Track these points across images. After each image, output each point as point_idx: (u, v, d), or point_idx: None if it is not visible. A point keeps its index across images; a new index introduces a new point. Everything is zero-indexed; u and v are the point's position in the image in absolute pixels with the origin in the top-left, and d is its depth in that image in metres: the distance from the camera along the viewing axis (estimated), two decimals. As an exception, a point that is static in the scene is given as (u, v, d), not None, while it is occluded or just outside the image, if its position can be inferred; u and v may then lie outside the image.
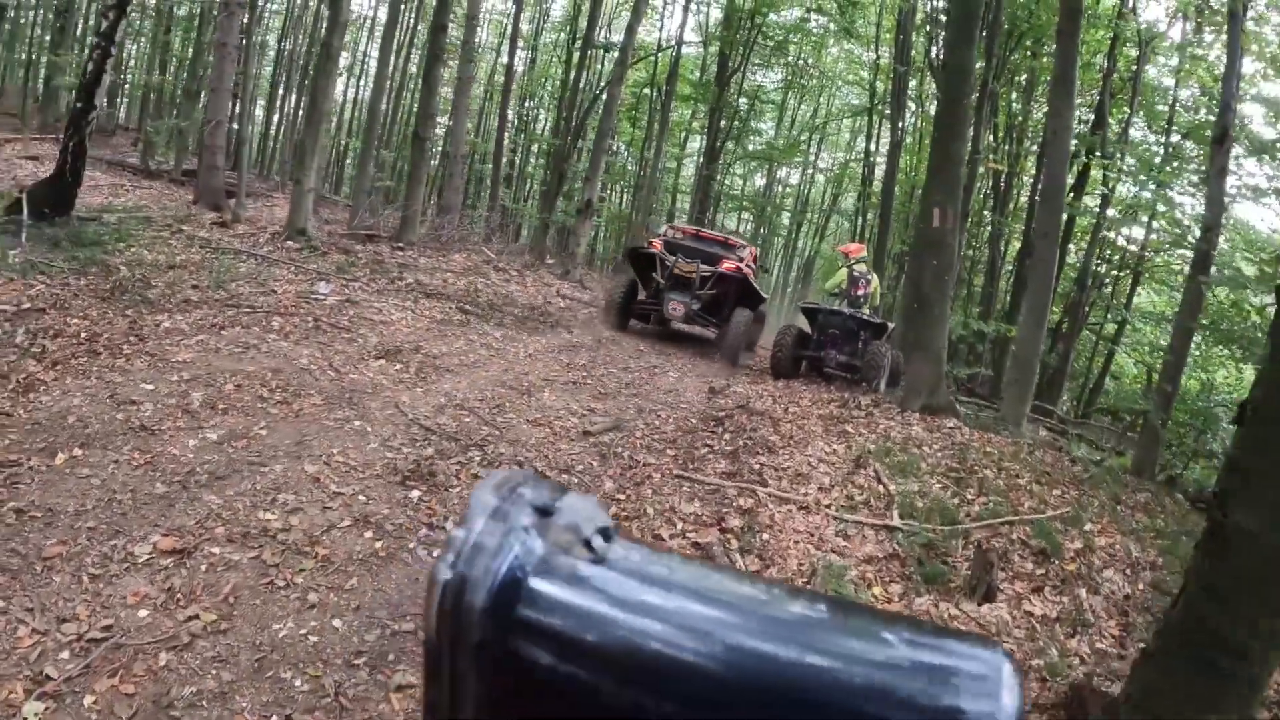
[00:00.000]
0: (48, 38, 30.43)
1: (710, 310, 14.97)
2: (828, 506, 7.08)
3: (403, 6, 27.68)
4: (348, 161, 40.43)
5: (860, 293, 14.77)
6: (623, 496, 6.85)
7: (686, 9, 31.91)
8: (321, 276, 11.99)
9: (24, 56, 32.90)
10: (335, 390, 7.77)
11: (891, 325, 15.04)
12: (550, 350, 11.68)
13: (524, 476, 0.50)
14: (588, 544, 0.47)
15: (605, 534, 0.48)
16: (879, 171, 33.58)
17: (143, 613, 4.28)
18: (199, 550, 4.90)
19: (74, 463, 5.85)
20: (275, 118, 35.04)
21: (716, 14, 32.13)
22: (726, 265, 14.69)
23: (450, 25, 18.88)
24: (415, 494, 6.05)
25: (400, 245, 16.51)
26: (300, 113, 31.50)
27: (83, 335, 8.12)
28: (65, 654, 3.92)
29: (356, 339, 9.49)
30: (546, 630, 0.44)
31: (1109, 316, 24.11)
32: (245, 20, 19.22)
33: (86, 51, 12.69)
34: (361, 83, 37.64)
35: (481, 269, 16.46)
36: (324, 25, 21.39)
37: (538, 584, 0.45)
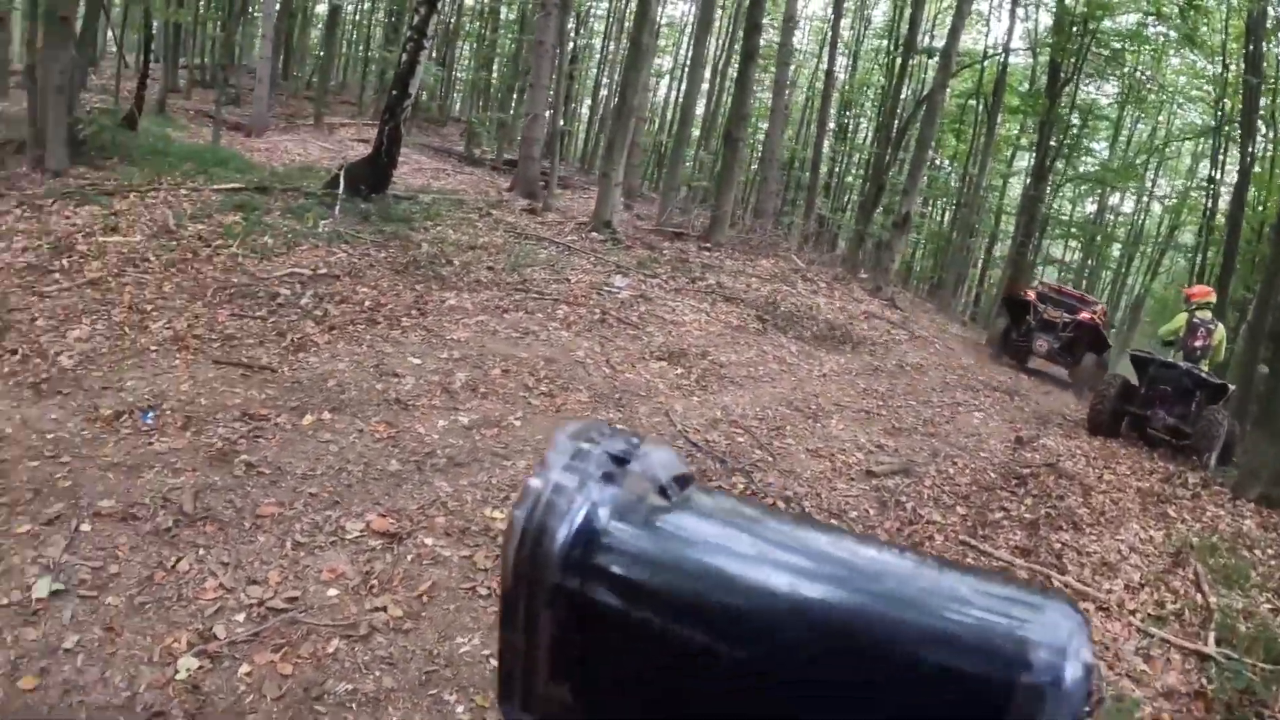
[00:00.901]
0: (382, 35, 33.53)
1: (1066, 351, 17.19)
2: (1132, 613, 5.77)
3: (719, 10, 27.50)
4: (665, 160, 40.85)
5: (1199, 344, 12.67)
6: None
7: (1013, 13, 29.67)
8: (619, 270, 11.78)
9: (362, 52, 37.18)
10: (606, 388, 7.43)
11: (1232, 388, 12.98)
12: (847, 372, 10.82)
13: (600, 425, 0.50)
14: (664, 492, 0.47)
15: (682, 482, 0.48)
16: (1223, 203, 28.95)
17: (332, 591, 4.12)
18: (411, 538, 4.71)
19: (319, 426, 5.90)
20: (597, 115, 36.00)
21: (1046, 19, 29.67)
22: (1083, 315, 17.13)
23: (767, 25, 18.46)
24: None
25: (707, 245, 16.20)
26: (616, 109, 32.60)
27: (367, 304, 8.29)
28: (240, 616, 3.84)
29: (641, 337, 9.14)
30: (622, 576, 0.44)
31: None
32: (564, 21, 19.79)
33: (402, 44, 13.27)
34: (680, 85, 37.96)
35: (788, 277, 15.74)
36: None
37: (614, 531, 0.46)
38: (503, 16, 32.43)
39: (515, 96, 26.45)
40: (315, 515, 4.77)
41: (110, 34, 24.37)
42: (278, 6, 23.05)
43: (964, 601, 0.40)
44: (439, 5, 12.94)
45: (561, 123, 21.56)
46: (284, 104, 27.08)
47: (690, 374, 8.41)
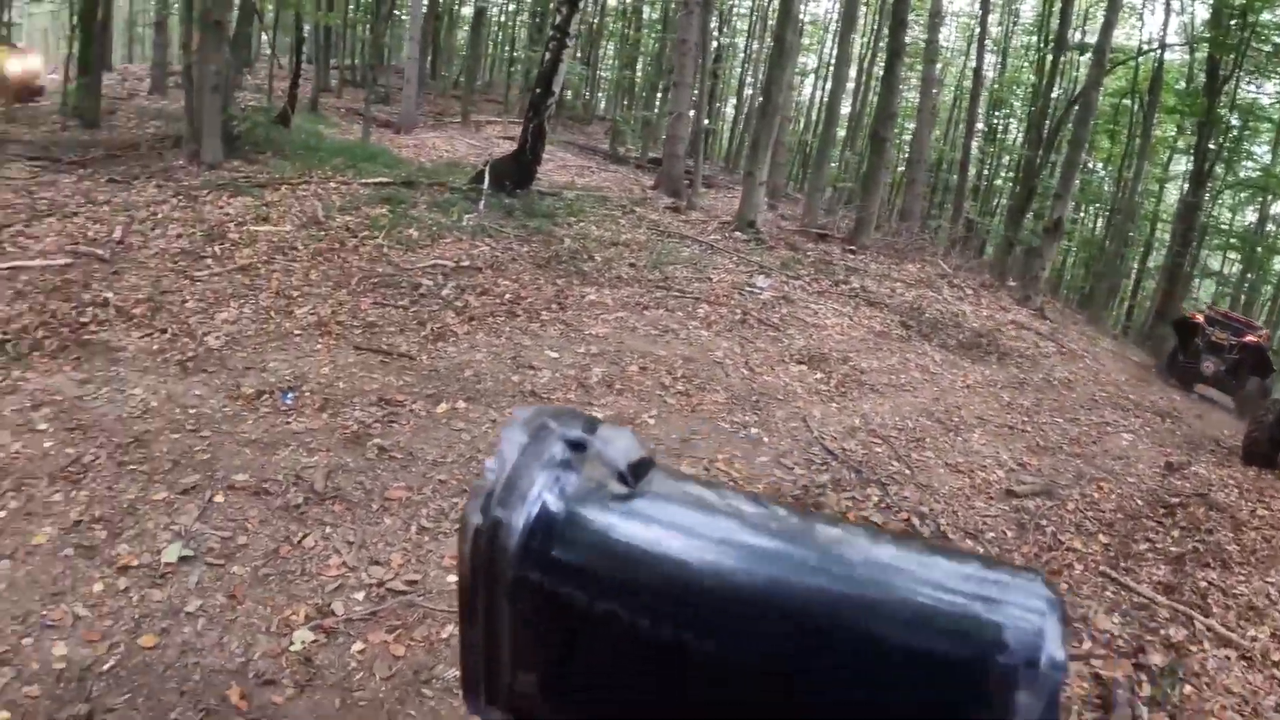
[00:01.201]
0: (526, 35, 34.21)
1: (1231, 374, 16.89)
2: (1276, 665, 5.38)
3: (864, 7, 26.91)
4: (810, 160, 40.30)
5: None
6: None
7: (1168, 6, 27.85)
8: (762, 270, 11.64)
9: (507, 52, 38.24)
10: (743, 390, 7.28)
11: None
12: (991, 384, 10.35)
13: (555, 410, 0.49)
14: (623, 478, 0.46)
15: (642, 466, 0.47)
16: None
17: (452, 577, 4.04)
18: None
19: (453, 414, 5.97)
20: (742, 114, 35.73)
21: (1203, 12, 27.72)
22: (1248, 337, 16.94)
23: (912, 22, 18.02)
24: None
25: (852, 248, 15.86)
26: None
27: (507, 297, 8.35)
28: (360, 595, 3.91)
29: (782, 339, 8.97)
30: (582, 567, 0.43)
31: None
32: (706, 19, 19.61)
33: (545, 43, 13.47)
34: (825, 83, 37.28)
35: (934, 283, 15.27)
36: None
37: (572, 522, 0.44)
38: (646, 15, 32.61)
39: (660, 95, 26.50)
40: (443, 501, 4.83)
41: (264, 37, 25.72)
42: (424, 8, 23.62)
43: (936, 583, 0.39)
44: (581, 4, 13.07)
45: (706, 121, 21.45)
46: (432, 102, 27.76)
47: (830, 379, 8.20)
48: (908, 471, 6.57)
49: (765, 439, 6.42)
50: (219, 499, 4.53)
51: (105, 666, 3.80)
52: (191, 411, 5.83)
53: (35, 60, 25.45)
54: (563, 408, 0.49)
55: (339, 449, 5.43)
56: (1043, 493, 7.06)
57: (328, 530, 4.34)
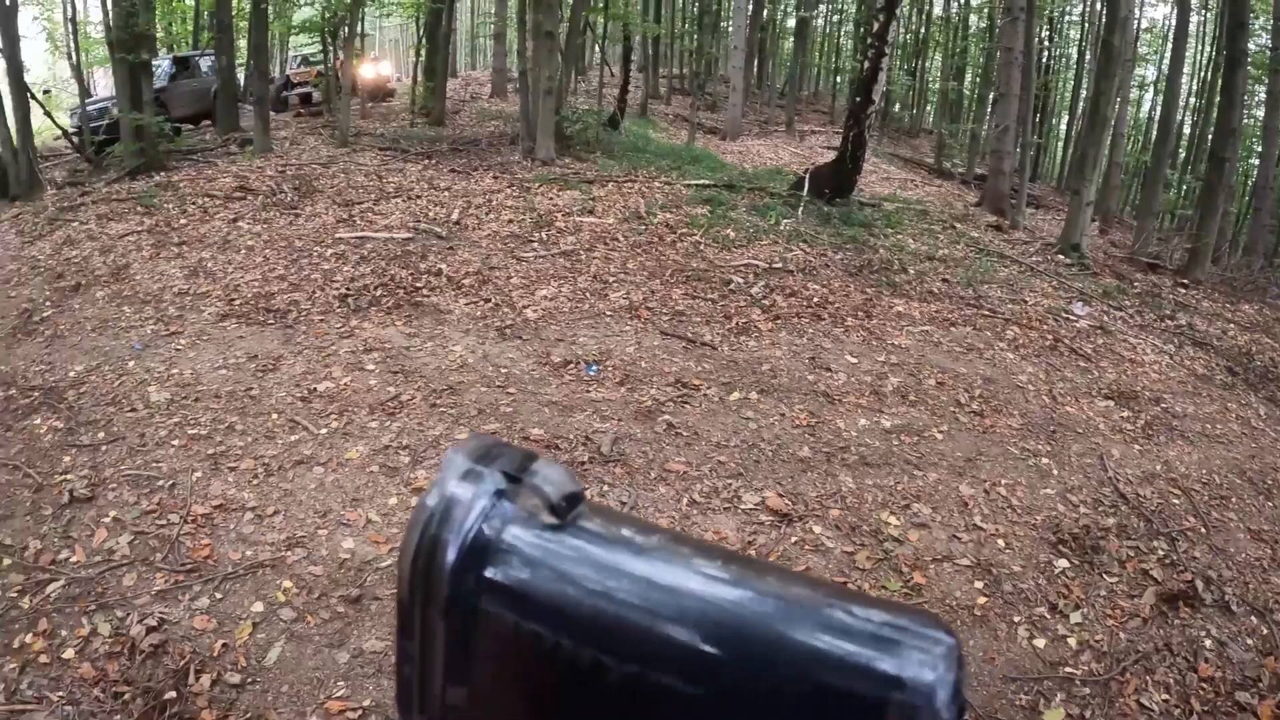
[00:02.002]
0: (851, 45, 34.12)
1: None
2: None
3: (1204, 12, 24.60)
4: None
5: None
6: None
7: None
8: (1081, 297, 11.14)
9: (832, 62, 38.16)
10: (1040, 418, 7.03)
11: None
12: (1322, 449, 9.43)
13: (495, 442, 0.51)
14: (555, 510, 0.47)
15: (573, 500, 0.48)
16: None
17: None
18: (801, 522, 4.84)
19: (744, 404, 6.24)
20: (1074, 129, 33.68)
21: None
22: None
23: (1258, 29, 16.37)
24: (1062, 564, 5.08)
25: (1183, 281, 14.74)
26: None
27: (814, 300, 8.53)
28: None
29: (1091, 371, 8.55)
30: (512, 590, 0.45)
31: None
32: (1032, 27, 18.87)
33: (864, 51, 13.44)
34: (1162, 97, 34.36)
35: (1271, 328, 13.94)
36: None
37: (505, 546, 0.46)
38: (972, 25, 31.48)
39: (988, 108, 25.71)
40: (717, 481, 5.06)
41: (595, 47, 27.29)
42: (749, 19, 24.01)
43: (843, 623, 0.41)
44: (899, 12, 12.91)
45: (1035, 136, 20.61)
46: (756, 110, 28.31)
47: (1137, 419, 7.72)
48: (1203, 530, 6.00)
49: (1055, 471, 6.15)
50: (515, 446, 5.09)
51: (382, 565, 4.54)
52: (503, 371, 6.62)
53: (386, 66, 28.82)
54: (503, 442, 0.52)
55: (630, 420, 5.90)
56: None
57: (604, 489, 4.70)
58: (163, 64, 18.49)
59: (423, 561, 0.46)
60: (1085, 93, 32.19)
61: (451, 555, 0.45)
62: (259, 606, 4.27)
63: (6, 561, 4.61)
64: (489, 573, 0.45)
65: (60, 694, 3.78)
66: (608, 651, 0.43)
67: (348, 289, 8.47)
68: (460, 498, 0.47)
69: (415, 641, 0.47)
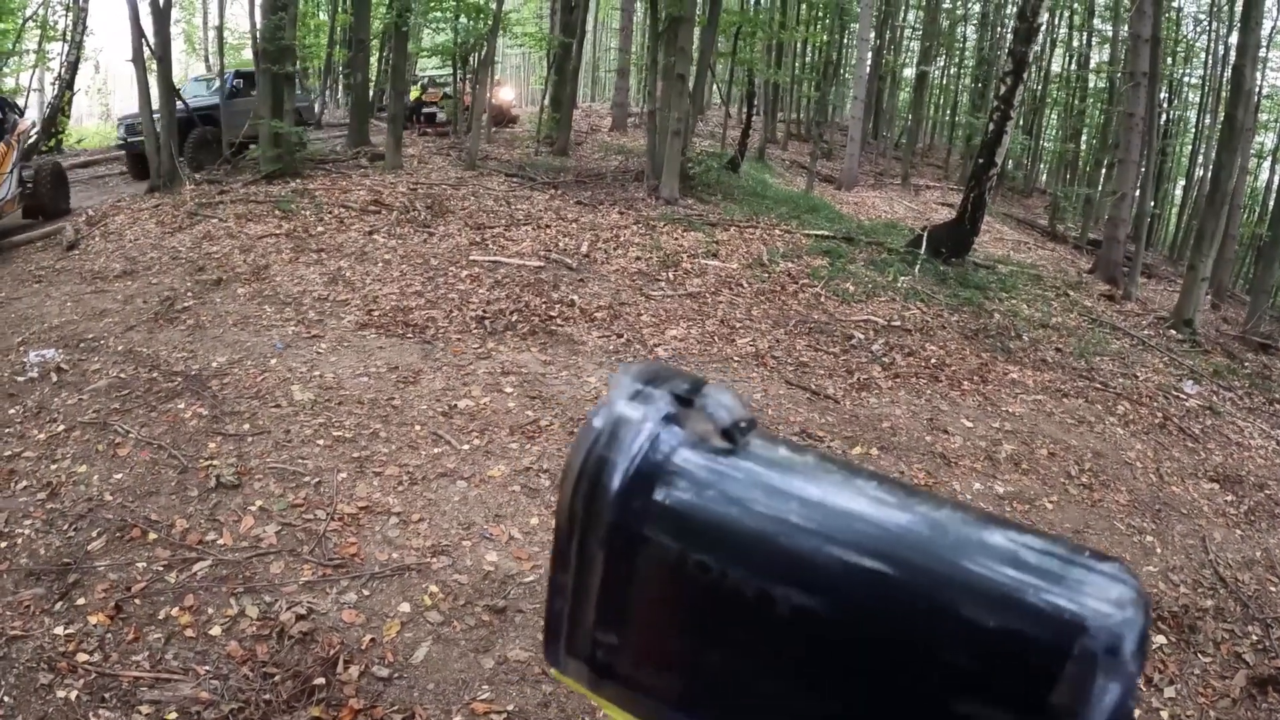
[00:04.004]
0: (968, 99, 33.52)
1: None
2: None
3: None
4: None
5: None
6: None
7: None
8: (1192, 375, 11.16)
9: (948, 116, 37.71)
10: (1147, 496, 7.16)
11: None
12: None
13: (663, 367, 0.50)
14: (727, 435, 0.46)
15: (745, 426, 0.47)
16: None
17: None
18: None
19: (866, 459, 6.47)
20: (1190, 196, 32.72)
21: None
22: None
23: None
24: (1159, 640, 5.32)
25: (1297, 360, 14.63)
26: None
27: (932, 361, 8.76)
28: None
29: (1199, 452, 8.63)
30: (681, 516, 0.44)
31: None
32: (1154, 92, 18.48)
33: (989, 113, 13.53)
34: None
35: (1394, 417, 13.82)
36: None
37: (674, 471, 0.45)
38: (1091, 85, 30.99)
39: (1103, 171, 25.40)
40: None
41: (716, 89, 27.99)
42: (868, 69, 24.18)
43: (1022, 562, 0.39)
44: (1026, 76, 13.00)
45: (1151, 204, 20.38)
46: (872, 161, 28.32)
47: (1241, 504, 7.77)
48: None
49: (1158, 549, 6.32)
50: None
51: (525, 580, 4.80)
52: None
53: (509, 92, 29.78)
54: (670, 365, 0.50)
55: None
56: None
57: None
58: (217, 80, 16.62)
59: (586, 485, 0.45)
60: (1202, 158, 31.39)
61: (618, 479, 0.44)
62: (405, 607, 4.47)
63: (152, 536, 4.86)
64: (657, 497, 0.44)
65: (207, 668, 3.98)
66: (778, 581, 0.41)
67: (484, 311, 8.87)
68: (628, 418, 0.46)
69: (570, 573, 0.46)
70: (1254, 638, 5.66)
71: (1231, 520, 7.37)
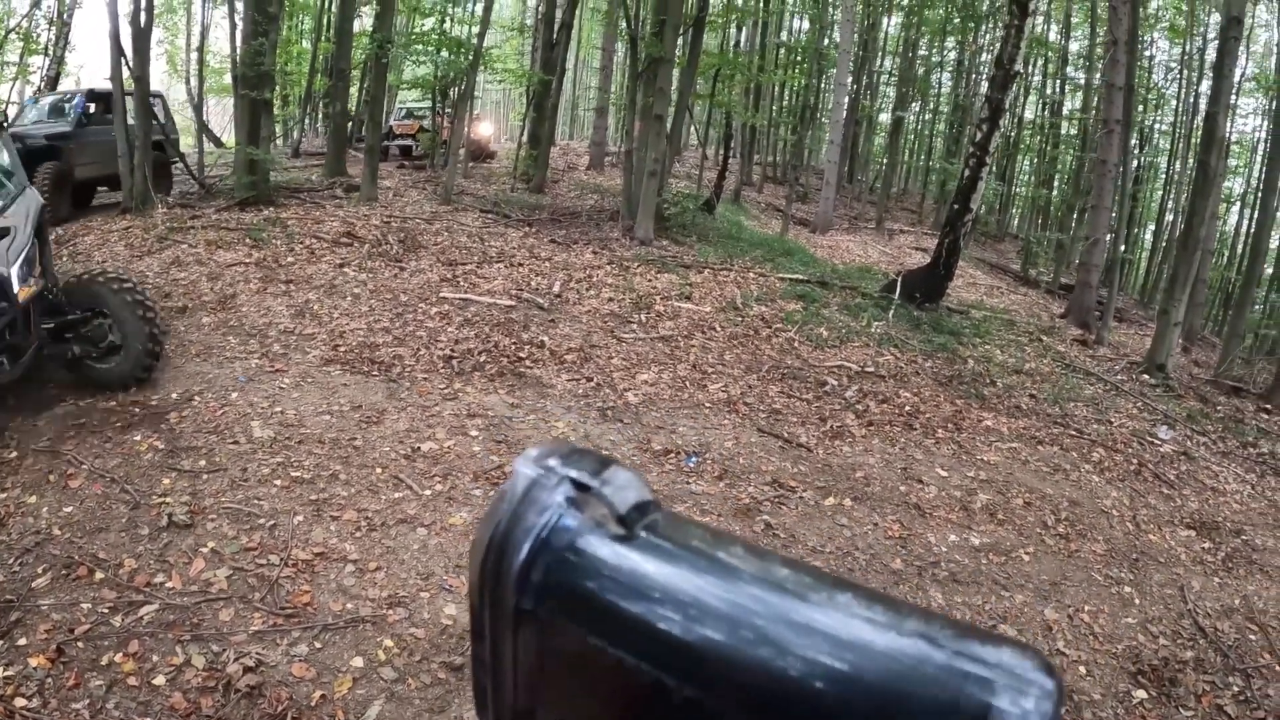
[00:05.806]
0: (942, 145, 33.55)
1: None
2: None
3: None
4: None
5: None
6: None
7: None
8: (1166, 420, 11.18)
9: (923, 161, 37.42)
10: (1124, 545, 7.12)
11: None
12: None
13: (570, 448, 0.50)
14: (622, 521, 0.47)
15: (642, 510, 0.48)
16: None
17: None
18: None
19: (839, 510, 6.40)
20: (1161, 242, 33.06)
21: None
22: None
23: None
24: (1140, 694, 5.18)
25: (1267, 407, 14.64)
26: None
27: (906, 408, 8.70)
28: None
29: (1175, 499, 8.61)
30: (576, 600, 0.44)
31: None
32: (1127, 139, 18.68)
33: (964, 160, 13.59)
34: (1253, 213, 33.20)
35: (1359, 461, 13.89)
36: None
37: (572, 556, 0.45)
38: (1064, 131, 31.38)
39: (1075, 217, 25.66)
40: (817, 590, 5.27)
41: (694, 130, 28.23)
42: (844, 114, 24.36)
43: (926, 650, 0.38)
44: (1002, 123, 13.08)
45: (1122, 249, 20.59)
46: (847, 205, 28.57)
47: (1218, 551, 7.75)
48: (1278, 668, 6.21)
49: (1136, 600, 6.23)
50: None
51: None
52: (605, 453, 6.76)
53: (488, 127, 29.85)
54: (574, 446, 0.51)
55: (729, 516, 6.07)
56: None
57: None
58: (74, 99, 13.85)
59: (491, 568, 0.46)
60: (1172, 202, 31.79)
61: (518, 563, 0.45)
62: (359, 661, 4.32)
63: (99, 575, 4.68)
64: (555, 581, 0.45)
65: (148, 720, 3.83)
66: (667, 670, 0.41)
67: (452, 350, 8.76)
68: (530, 505, 0.46)
69: (486, 646, 0.47)
70: (1235, 689, 5.60)
71: (1209, 568, 7.33)
